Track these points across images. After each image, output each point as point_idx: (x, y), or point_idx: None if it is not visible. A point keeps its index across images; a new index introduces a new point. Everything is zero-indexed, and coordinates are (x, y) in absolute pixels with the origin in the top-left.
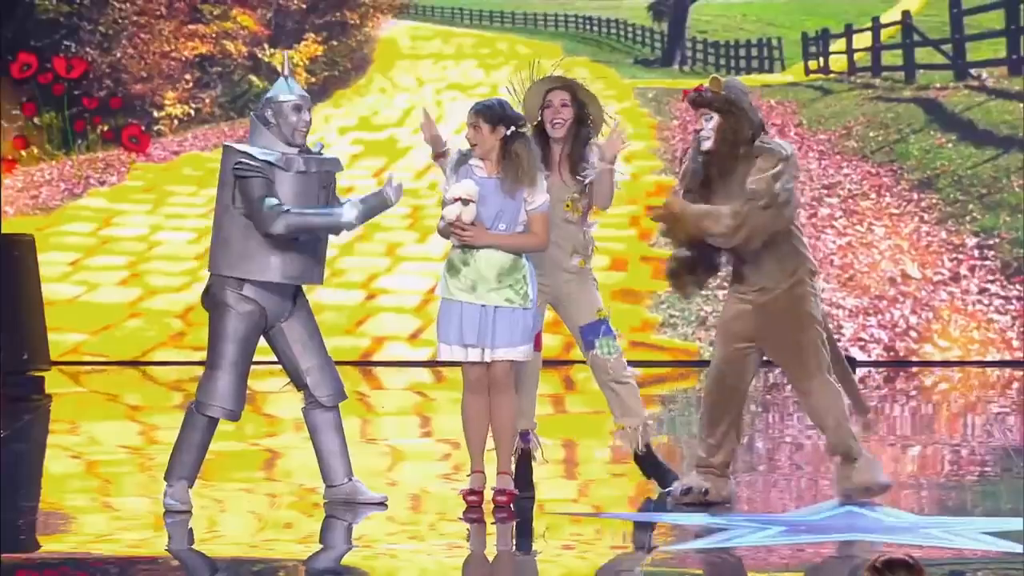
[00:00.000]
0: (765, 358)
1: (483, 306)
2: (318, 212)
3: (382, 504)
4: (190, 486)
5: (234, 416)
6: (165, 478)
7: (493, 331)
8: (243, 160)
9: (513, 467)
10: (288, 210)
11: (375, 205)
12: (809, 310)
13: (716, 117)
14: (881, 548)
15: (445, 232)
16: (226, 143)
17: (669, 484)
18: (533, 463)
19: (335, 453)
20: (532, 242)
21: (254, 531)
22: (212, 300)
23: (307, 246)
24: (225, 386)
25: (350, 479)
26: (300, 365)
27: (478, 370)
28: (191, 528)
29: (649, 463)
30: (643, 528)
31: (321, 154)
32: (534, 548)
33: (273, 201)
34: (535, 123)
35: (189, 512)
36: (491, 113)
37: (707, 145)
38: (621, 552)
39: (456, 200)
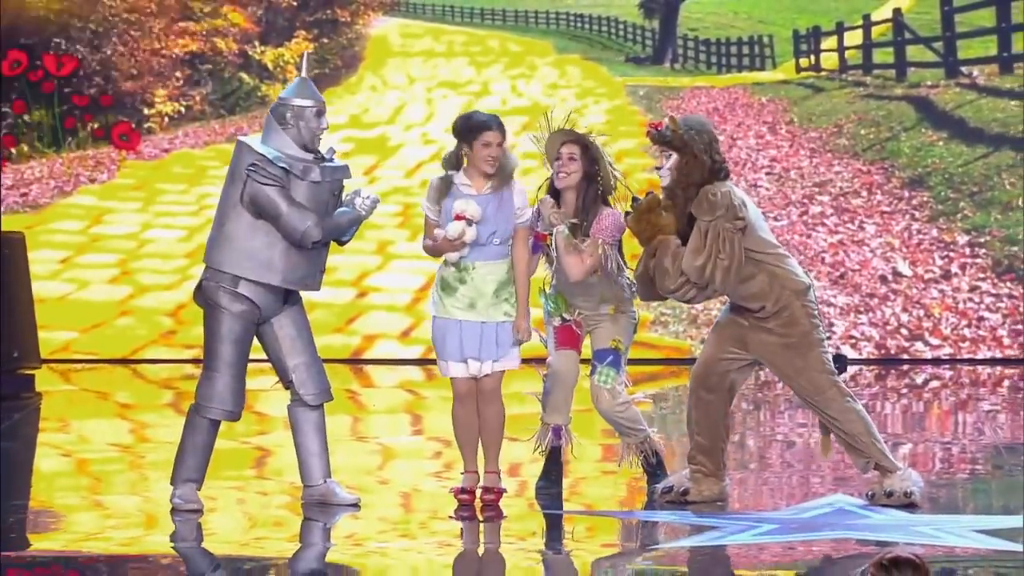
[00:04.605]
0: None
1: (483, 323)
2: (340, 212)
3: (355, 506)
4: (198, 488)
5: (234, 417)
6: (171, 482)
7: (497, 345)
8: (258, 163)
9: (543, 461)
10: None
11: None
12: (803, 331)
13: (674, 156)
14: (872, 546)
15: (438, 249)
16: (241, 138)
17: (658, 480)
18: (563, 461)
19: (314, 454)
20: (525, 272)
21: (245, 529)
22: (205, 299)
23: (313, 253)
24: (224, 387)
25: (326, 480)
26: (287, 362)
27: (470, 383)
28: (199, 525)
29: (654, 473)
30: (635, 526)
31: (332, 161)
32: (529, 546)
33: (305, 211)
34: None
35: (199, 511)
36: (505, 129)
37: (664, 183)
38: (612, 550)
39: (461, 218)
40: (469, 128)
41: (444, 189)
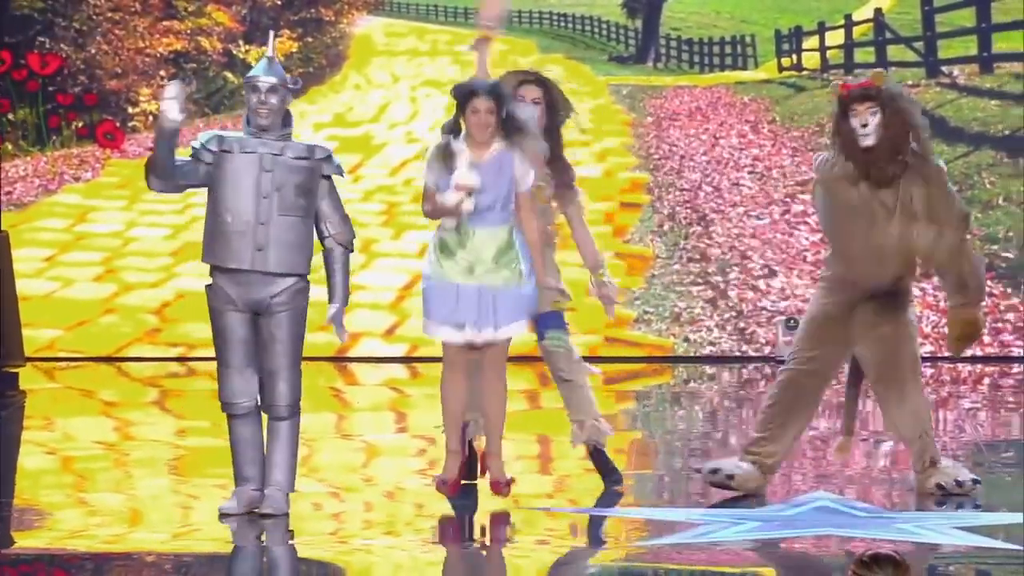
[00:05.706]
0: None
1: (480, 288)
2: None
3: (270, 515)
4: (255, 488)
5: (247, 409)
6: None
7: (495, 311)
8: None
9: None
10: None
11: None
12: (911, 318)
13: (880, 113)
14: (854, 542)
15: (439, 212)
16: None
17: (615, 482)
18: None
19: (271, 462)
20: (535, 239)
21: (231, 526)
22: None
23: (242, 228)
24: (233, 384)
25: (262, 491)
26: (261, 367)
27: (461, 351)
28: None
29: (598, 460)
30: (618, 523)
31: (304, 142)
32: (507, 543)
33: (176, 168)
34: None
35: (239, 514)
36: (502, 95)
37: (868, 142)
38: (596, 547)
39: (460, 189)
40: (461, 95)
41: (443, 158)
